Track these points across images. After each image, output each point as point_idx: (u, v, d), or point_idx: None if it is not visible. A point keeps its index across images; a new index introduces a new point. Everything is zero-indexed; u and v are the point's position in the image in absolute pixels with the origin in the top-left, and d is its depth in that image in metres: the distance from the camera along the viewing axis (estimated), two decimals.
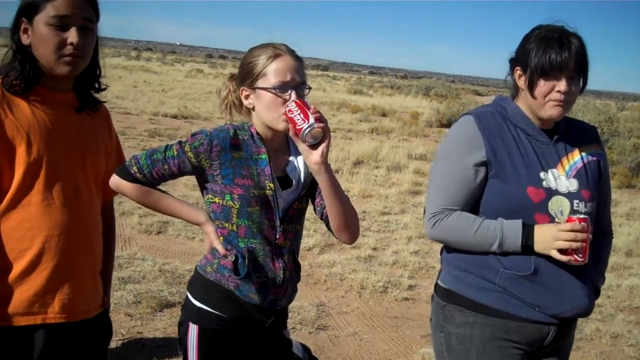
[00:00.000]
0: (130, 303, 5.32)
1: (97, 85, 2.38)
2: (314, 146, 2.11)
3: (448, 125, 23.63)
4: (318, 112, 2.10)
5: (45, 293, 2.17)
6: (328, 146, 2.12)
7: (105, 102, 2.49)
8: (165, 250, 7.02)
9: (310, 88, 2.35)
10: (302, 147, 2.12)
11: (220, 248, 2.29)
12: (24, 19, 2.14)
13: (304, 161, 2.36)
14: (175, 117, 19.70)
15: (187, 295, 2.40)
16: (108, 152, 2.45)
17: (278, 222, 2.33)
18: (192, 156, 2.25)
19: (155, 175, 2.30)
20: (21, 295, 2.15)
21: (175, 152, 2.26)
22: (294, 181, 2.37)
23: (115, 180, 2.33)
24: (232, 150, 2.27)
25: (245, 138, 2.31)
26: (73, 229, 2.21)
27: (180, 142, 2.29)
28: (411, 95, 49.21)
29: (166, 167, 2.28)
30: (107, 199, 2.52)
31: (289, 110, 2.12)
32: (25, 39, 2.15)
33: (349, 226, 2.31)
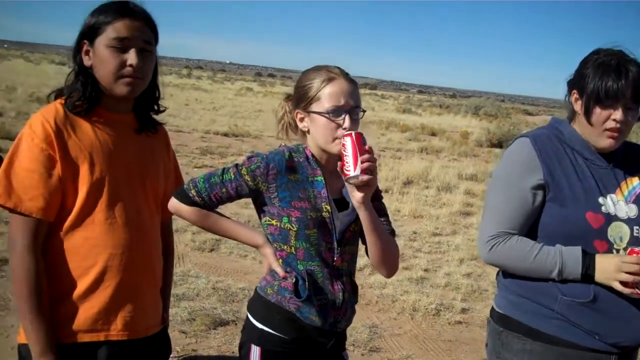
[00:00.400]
0: (185, 320, 5.39)
1: (156, 107, 2.42)
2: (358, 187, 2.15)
3: (498, 145, 23.38)
4: (369, 160, 2.11)
5: (108, 310, 2.21)
6: (371, 192, 2.17)
7: (164, 123, 2.52)
8: (218, 267, 7.09)
9: (364, 111, 2.35)
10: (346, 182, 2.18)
11: (280, 270, 2.32)
12: (85, 41, 2.19)
13: None
14: (226, 135, 19.92)
15: (247, 316, 2.42)
16: (167, 172, 2.49)
17: (335, 244, 2.35)
18: (249, 179, 2.28)
19: (214, 199, 2.33)
20: (85, 313, 2.19)
21: (233, 176, 2.29)
22: (350, 203, 2.38)
23: (174, 204, 2.37)
24: (288, 173, 2.29)
25: (301, 160, 2.33)
26: (135, 248, 2.26)
27: (237, 165, 2.32)
28: (460, 114, 48.86)
29: (224, 190, 2.31)
30: (166, 218, 2.54)
31: (343, 145, 2.14)
32: (86, 61, 2.20)
33: (386, 262, 2.35)
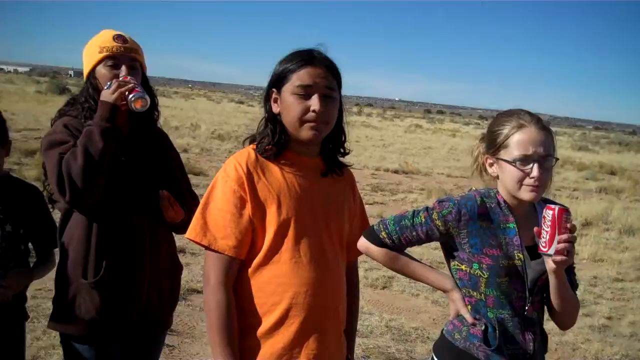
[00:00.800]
0: (359, 357, 5.42)
1: (342, 150, 2.47)
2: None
3: None
4: (567, 240, 2.08)
5: (292, 347, 2.25)
6: (564, 267, 2.17)
7: (350, 165, 2.57)
8: (391, 305, 7.10)
9: (557, 159, 2.29)
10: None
11: (468, 317, 2.30)
12: (274, 89, 2.30)
13: None
14: (396, 172, 20.05)
15: (433, 358, 2.43)
16: (352, 214, 2.51)
17: (527, 293, 2.30)
18: (440, 224, 2.29)
19: (404, 241, 2.37)
20: (270, 349, 2.25)
21: (423, 219, 2.32)
22: None
23: (363, 244, 2.44)
24: (480, 219, 2.28)
25: (492, 206, 2.31)
26: (319, 287, 2.28)
27: (427, 209, 2.34)
28: None
29: (414, 233, 2.34)
30: (351, 259, 2.57)
31: (544, 218, 2.11)
32: (275, 108, 2.31)
33: (565, 319, 2.40)
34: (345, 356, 2.50)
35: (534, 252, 2.30)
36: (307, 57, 2.26)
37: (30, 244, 2.98)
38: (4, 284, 2.74)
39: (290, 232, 2.25)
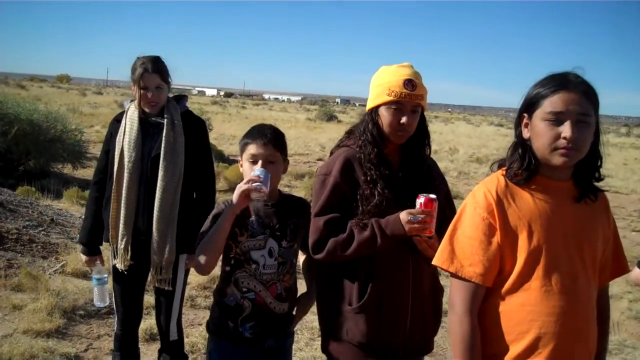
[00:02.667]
0: None
1: (597, 175, 2.34)
2: None
3: None
4: None
5: None
6: None
7: (607, 190, 2.46)
8: None
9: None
10: None
11: None
12: (525, 114, 2.26)
13: None
14: None
15: None
16: (605, 239, 2.40)
17: None
18: None
19: None
20: None
21: None
22: None
23: None
24: None
25: None
26: (569, 315, 2.21)
27: None
28: None
29: None
30: (602, 284, 2.46)
31: None
32: (525, 133, 2.26)
33: None
34: None
35: None
36: (560, 82, 2.18)
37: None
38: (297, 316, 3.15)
39: (541, 260, 2.21)
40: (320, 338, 3.10)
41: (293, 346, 3.30)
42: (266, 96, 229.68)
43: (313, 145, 26.36)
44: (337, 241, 2.73)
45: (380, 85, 2.85)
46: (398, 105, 2.78)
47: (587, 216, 2.32)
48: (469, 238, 2.25)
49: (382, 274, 2.77)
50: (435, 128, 45.74)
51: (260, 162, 2.85)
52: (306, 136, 30.00)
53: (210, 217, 2.95)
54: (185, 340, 4.47)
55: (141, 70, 3.70)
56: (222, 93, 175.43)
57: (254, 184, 2.74)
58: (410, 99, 2.78)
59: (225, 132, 28.04)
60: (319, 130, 36.15)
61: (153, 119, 3.81)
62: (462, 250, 2.27)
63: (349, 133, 3.02)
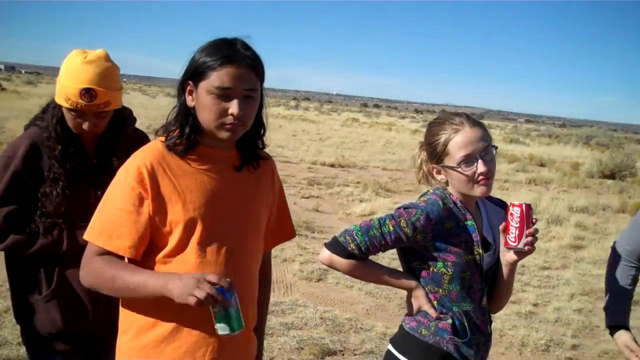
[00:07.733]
0: (294, 349, 5.51)
1: (260, 143, 2.33)
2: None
3: (611, 176, 22.58)
4: (534, 234, 2.31)
5: (195, 349, 2.15)
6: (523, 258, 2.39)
7: (270, 158, 2.45)
8: (325, 297, 7.19)
9: (496, 147, 2.42)
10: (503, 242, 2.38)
11: (433, 312, 2.38)
12: (190, 81, 2.13)
13: (490, 223, 2.50)
14: (332, 165, 20.22)
15: (393, 354, 2.45)
16: (269, 205, 2.40)
17: (483, 284, 2.44)
18: (408, 231, 2.33)
19: (372, 250, 2.38)
20: (173, 353, 2.14)
21: (391, 228, 2.34)
22: (492, 244, 2.47)
23: (327, 257, 2.41)
24: (445, 221, 2.36)
25: (451, 206, 2.40)
26: None
27: (394, 217, 2.36)
28: (570, 144, 47.38)
29: (382, 242, 2.36)
30: (268, 249, 2.49)
31: (511, 215, 2.31)
32: (189, 101, 2.14)
33: (499, 305, 2.59)
34: (255, 356, 2.41)
35: (483, 245, 2.44)
36: (229, 54, 2.08)
37: None
38: None
39: (196, 231, 2.12)
40: None
41: None
42: None
43: None
44: (17, 240, 2.62)
45: (60, 85, 2.65)
46: (77, 112, 2.65)
47: (250, 184, 2.30)
48: (117, 209, 2.09)
49: (69, 258, 2.61)
50: None
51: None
52: None
53: None
54: None
55: None
56: None
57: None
58: (88, 109, 2.63)
59: None
60: None
61: None
62: (111, 222, 2.10)
63: (45, 109, 2.77)
